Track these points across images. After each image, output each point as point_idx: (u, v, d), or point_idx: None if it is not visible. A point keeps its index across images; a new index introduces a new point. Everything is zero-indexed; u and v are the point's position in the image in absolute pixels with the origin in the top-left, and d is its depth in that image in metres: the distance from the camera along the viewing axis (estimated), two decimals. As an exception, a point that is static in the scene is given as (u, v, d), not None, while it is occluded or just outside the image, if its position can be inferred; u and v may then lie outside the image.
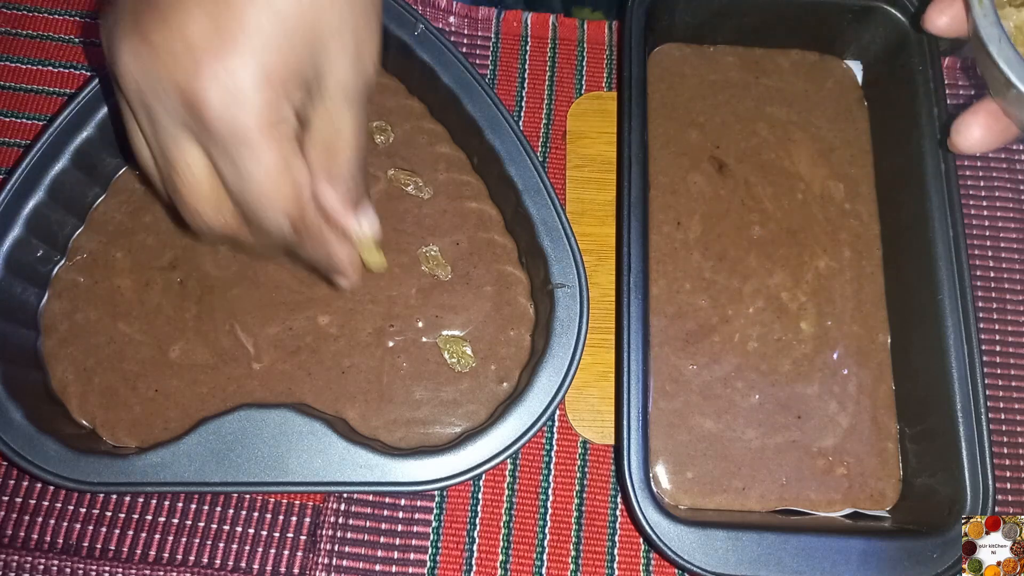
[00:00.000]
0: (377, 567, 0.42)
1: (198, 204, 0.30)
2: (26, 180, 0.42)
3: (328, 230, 0.32)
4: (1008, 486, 0.44)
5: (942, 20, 0.35)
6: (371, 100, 0.32)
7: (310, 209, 0.30)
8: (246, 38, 0.26)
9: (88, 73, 0.50)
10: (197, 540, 0.42)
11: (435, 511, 0.43)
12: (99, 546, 0.41)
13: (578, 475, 0.44)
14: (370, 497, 0.43)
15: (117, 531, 0.42)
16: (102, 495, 0.42)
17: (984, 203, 0.49)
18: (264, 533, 0.42)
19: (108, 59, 0.28)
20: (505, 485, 0.43)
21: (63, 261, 0.45)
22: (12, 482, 0.42)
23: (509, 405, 0.40)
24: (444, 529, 0.42)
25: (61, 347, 0.43)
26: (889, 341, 0.45)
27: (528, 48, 0.51)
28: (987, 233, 0.49)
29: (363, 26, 0.30)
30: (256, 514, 0.42)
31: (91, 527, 0.42)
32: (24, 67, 0.50)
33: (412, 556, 0.42)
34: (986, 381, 0.41)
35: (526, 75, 0.51)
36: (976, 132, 0.34)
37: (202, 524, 0.42)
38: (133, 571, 0.41)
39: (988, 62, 0.31)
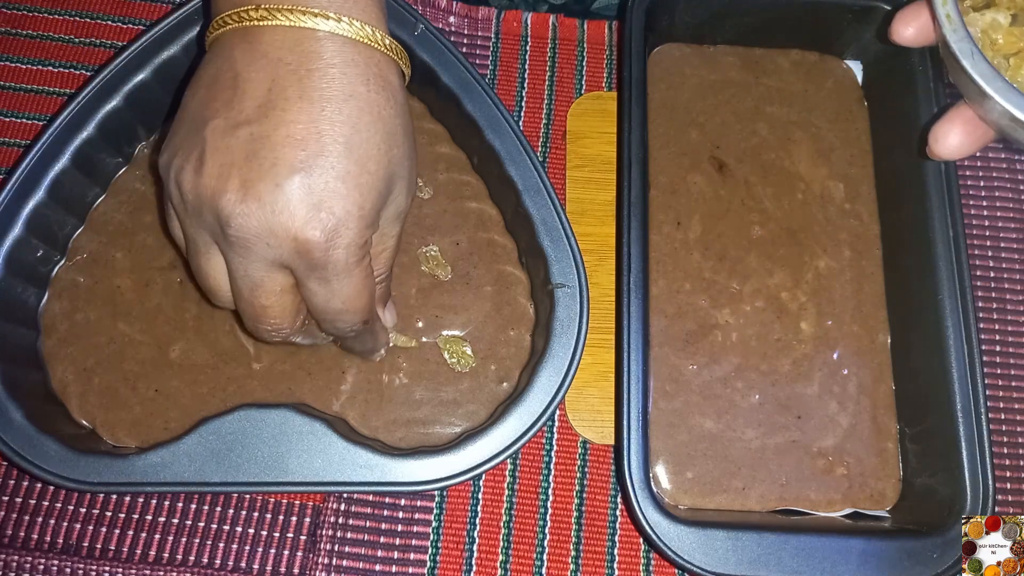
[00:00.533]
0: (377, 567, 0.42)
1: (280, 318, 0.34)
2: (26, 180, 0.42)
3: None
4: (1008, 486, 0.44)
5: (908, 31, 0.35)
6: None
7: (375, 314, 0.37)
8: (348, 193, 0.30)
9: (88, 73, 0.50)
10: (197, 540, 0.42)
11: (435, 511, 0.43)
12: (99, 546, 0.41)
13: (578, 475, 0.44)
14: (370, 497, 0.43)
15: (117, 531, 0.42)
16: (102, 495, 0.42)
17: (984, 203, 0.49)
18: (264, 533, 0.42)
19: (188, 198, 0.31)
20: (505, 485, 0.43)
21: (63, 261, 0.45)
22: (12, 482, 0.42)
23: (509, 405, 0.40)
24: (444, 529, 0.42)
25: (61, 347, 0.43)
26: (889, 341, 0.45)
27: (528, 48, 0.51)
28: (987, 233, 0.49)
29: (414, 161, 0.34)
30: (256, 514, 0.42)
31: (91, 527, 0.42)
32: (24, 67, 0.50)
33: (412, 556, 0.42)
34: (986, 381, 0.41)
35: (526, 75, 0.51)
36: (954, 140, 0.34)
37: (202, 524, 0.42)
38: (133, 571, 0.41)
39: (962, 74, 0.31)
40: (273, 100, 0.30)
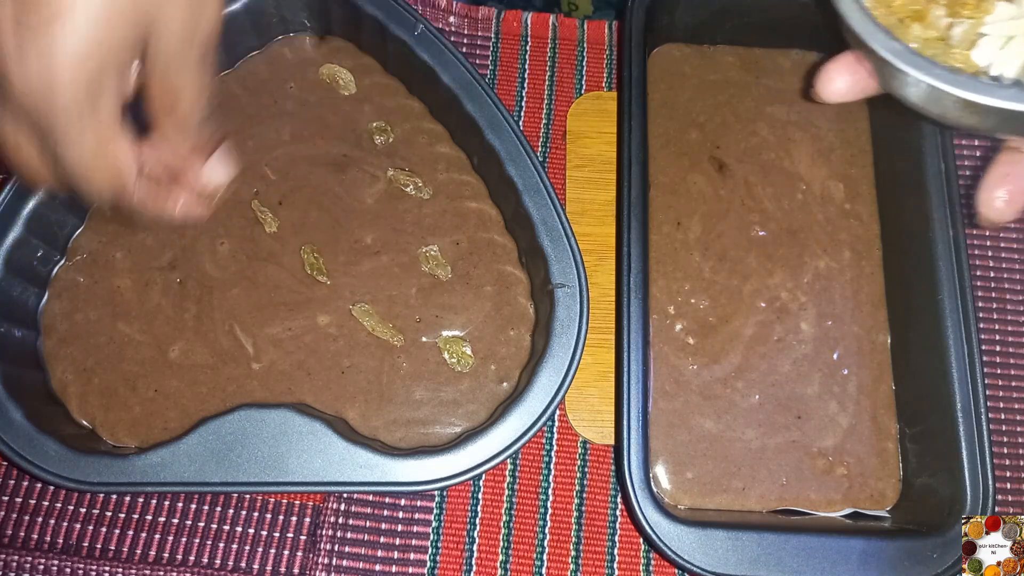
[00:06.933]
0: (377, 567, 0.42)
1: (26, 168, 0.30)
2: (26, 180, 0.42)
3: (155, 193, 0.32)
4: (1008, 486, 0.44)
5: None
6: (207, 62, 0.30)
7: (131, 181, 0.30)
8: (60, 22, 0.24)
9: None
10: (197, 540, 0.42)
11: (435, 511, 0.43)
12: (99, 546, 0.41)
13: (578, 475, 0.44)
14: (370, 497, 0.43)
15: (117, 531, 0.42)
16: (102, 495, 0.42)
17: (984, 203, 0.49)
18: (264, 533, 0.42)
19: None
20: (505, 485, 0.43)
21: (63, 261, 0.45)
22: (12, 482, 0.42)
23: (509, 405, 0.40)
24: (444, 529, 0.42)
25: (61, 347, 0.43)
26: (889, 341, 0.45)
27: (528, 48, 0.51)
28: (987, 233, 0.49)
29: None
30: (256, 514, 0.42)
31: (91, 527, 0.42)
32: (24, 67, 0.50)
33: (412, 556, 0.42)
34: (986, 381, 0.41)
35: (526, 75, 0.51)
36: (840, 83, 0.33)
37: (202, 524, 0.42)
38: (133, 571, 0.41)
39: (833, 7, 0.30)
40: None
